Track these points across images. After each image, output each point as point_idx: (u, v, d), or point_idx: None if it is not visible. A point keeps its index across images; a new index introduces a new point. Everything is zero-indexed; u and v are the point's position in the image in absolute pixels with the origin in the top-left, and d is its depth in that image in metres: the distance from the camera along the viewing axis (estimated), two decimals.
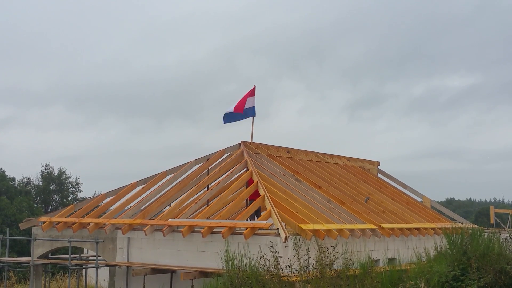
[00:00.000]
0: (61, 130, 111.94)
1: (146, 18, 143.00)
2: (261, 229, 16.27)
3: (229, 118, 22.61)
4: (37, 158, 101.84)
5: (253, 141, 22.87)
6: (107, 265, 18.87)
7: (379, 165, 29.52)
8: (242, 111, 22.38)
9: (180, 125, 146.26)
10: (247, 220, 18.59)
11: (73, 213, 20.87)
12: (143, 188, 21.22)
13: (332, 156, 27.02)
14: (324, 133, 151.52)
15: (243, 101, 22.53)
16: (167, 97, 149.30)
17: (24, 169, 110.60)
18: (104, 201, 21.67)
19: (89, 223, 19.17)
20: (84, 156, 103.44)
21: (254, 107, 22.65)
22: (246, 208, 19.08)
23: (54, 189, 58.14)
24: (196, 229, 17.30)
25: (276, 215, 16.32)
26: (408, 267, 14.99)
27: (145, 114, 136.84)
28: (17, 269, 22.73)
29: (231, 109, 22.49)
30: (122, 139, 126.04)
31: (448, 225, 22.01)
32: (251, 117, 22.73)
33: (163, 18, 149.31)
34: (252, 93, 22.76)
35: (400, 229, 20.79)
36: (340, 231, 17.61)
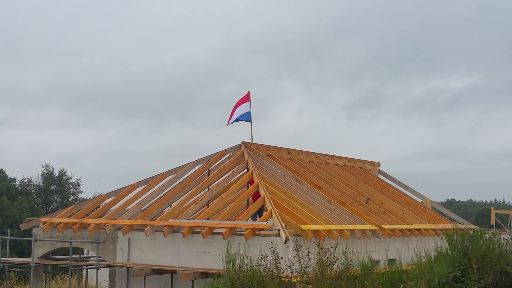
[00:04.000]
0: (58, 131, 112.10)
1: (145, 19, 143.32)
2: (261, 230, 16.28)
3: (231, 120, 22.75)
4: (35, 158, 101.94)
5: (253, 142, 22.87)
6: (107, 266, 18.88)
7: (380, 166, 29.52)
8: (234, 115, 22.48)
9: (178, 125, 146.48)
10: (247, 220, 18.60)
11: (73, 213, 20.87)
12: (143, 188, 21.22)
13: (332, 157, 27.02)
14: (324, 133, 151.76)
15: (236, 107, 22.59)
16: (164, 98, 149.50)
17: (24, 169, 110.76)
18: (104, 202, 21.67)
19: (89, 224, 19.17)
20: (83, 157, 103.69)
21: (249, 112, 22.59)
22: (247, 208, 19.08)
23: (55, 190, 58.18)
24: (196, 230, 17.31)
25: (277, 216, 16.32)
26: (409, 268, 14.98)
27: (142, 115, 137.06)
28: (18, 269, 22.73)
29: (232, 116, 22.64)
30: (120, 140, 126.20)
31: (449, 226, 22.00)
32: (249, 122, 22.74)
33: (162, 19, 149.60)
34: (246, 98, 22.71)
35: (401, 230, 20.79)
36: (340, 232, 17.61)
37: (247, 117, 22.69)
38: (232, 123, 22.71)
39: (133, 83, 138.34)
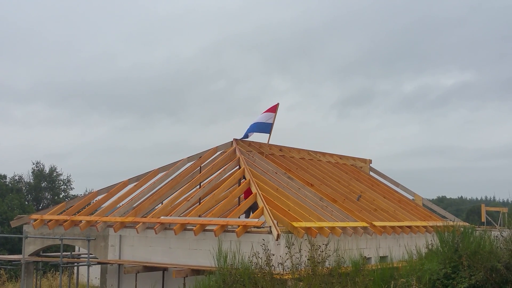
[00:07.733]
0: (46, 127, 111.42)
1: (136, 15, 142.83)
2: (253, 227, 16.28)
3: (250, 129, 22.53)
4: (26, 155, 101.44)
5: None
6: (98, 263, 18.82)
7: (371, 163, 29.60)
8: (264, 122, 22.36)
9: (167, 122, 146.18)
10: (239, 217, 18.59)
11: (64, 210, 20.79)
12: (135, 185, 21.17)
13: (324, 154, 27.06)
14: (315, 131, 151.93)
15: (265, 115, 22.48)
16: (153, 95, 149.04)
17: (15, 166, 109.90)
18: (96, 199, 21.62)
19: (80, 221, 19.11)
20: (71, 154, 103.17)
21: (271, 124, 22.60)
22: (238, 206, 19.07)
23: (46, 187, 57.93)
24: (188, 227, 17.30)
25: (268, 213, 16.33)
26: (400, 265, 15.02)
27: (131, 112, 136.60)
28: (8, 266, 22.65)
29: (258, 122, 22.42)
30: (109, 137, 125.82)
31: (440, 223, 22.02)
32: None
33: (153, 15, 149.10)
34: (273, 110, 22.65)
35: (392, 227, 20.85)
36: (332, 229, 17.64)
37: (265, 128, 22.56)
38: (247, 135, 22.48)
39: (122, 79, 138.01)
